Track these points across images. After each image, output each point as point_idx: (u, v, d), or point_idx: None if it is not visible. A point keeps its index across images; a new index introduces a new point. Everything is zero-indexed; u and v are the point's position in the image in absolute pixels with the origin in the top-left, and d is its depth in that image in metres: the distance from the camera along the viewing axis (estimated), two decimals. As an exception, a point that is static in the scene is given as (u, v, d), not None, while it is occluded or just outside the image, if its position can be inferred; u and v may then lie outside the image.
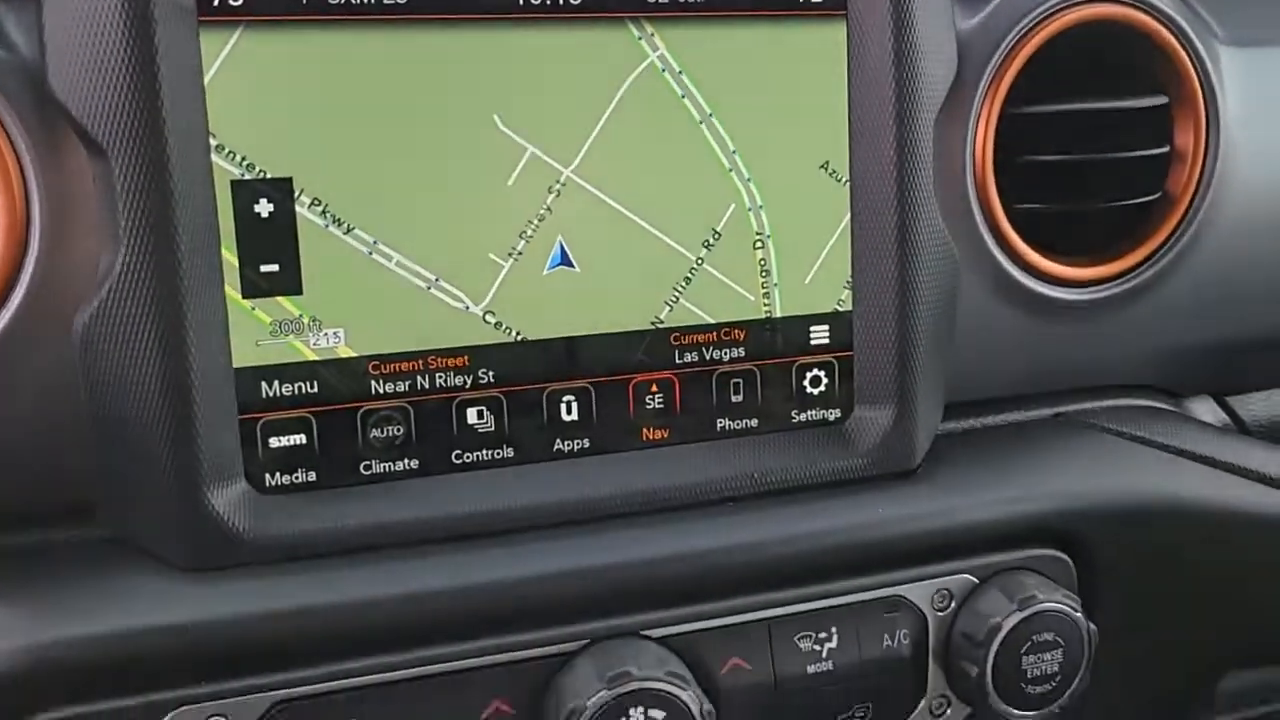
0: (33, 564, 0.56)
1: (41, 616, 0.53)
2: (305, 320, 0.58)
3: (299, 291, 0.57)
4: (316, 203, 0.57)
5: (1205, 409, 0.82)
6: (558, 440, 0.62)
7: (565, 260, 0.61)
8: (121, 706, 0.53)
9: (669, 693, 0.57)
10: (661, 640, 0.61)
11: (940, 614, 0.66)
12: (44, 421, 0.56)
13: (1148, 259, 0.72)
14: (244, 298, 0.56)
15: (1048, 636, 0.64)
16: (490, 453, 0.61)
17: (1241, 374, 0.82)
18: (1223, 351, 0.79)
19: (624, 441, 0.64)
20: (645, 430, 0.64)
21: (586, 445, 0.63)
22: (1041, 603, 0.64)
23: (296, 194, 0.56)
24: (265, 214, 0.56)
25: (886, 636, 0.64)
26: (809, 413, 0.67)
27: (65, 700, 0.52)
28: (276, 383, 0.57)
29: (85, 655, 0.52)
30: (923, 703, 0.67)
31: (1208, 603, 0.77)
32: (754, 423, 0.66)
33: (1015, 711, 0.65)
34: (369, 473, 0.59)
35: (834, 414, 0.67)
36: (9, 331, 0.54)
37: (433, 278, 0.59)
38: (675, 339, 0.64)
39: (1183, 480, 0.72)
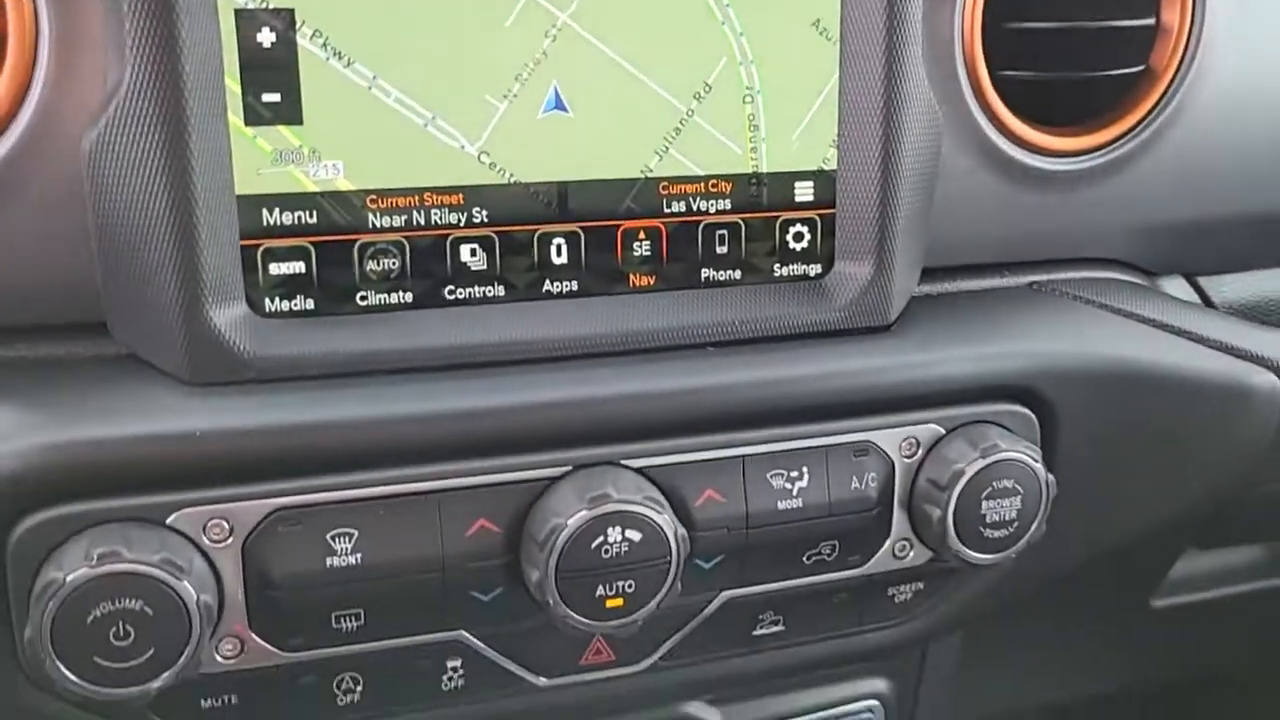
0: (49, 374, 0.59)
1: (54, 419, 0.56)
2: (305, 151, 0.59)
3: (300, 121, 0.59)
4: (318, 34, 0.58)
5: (1177, 288, 0.84)
6: (547, 281, 0.65)
7: (559, 105, 0.63)
8: (127, 505, 0.56)
9: (645, 515, 0.61)
10: (640, 470, 0.64)
11: (907, 460, 0.69)
12: (57, 239, 0.58)
13: (1128, 132, 0.74)
14: (246, 125, 0.58)
15: (1007, 484, 0.67)
16: (482, 290, 0.64)
17: (1214, 254, 0.84)
18: (1197, 230, 0.81)
19: (611, 286, 0.66)
20: (632, 276, 0.66)
21: (575, 288, 0.65)
22: (1004, 451, 0.67)
23: (298, 25, 0.58)
24: (267, 44, 0.58)
25: (855, 479, 0.67)
26: (790, 267, 0.69)
27: (74, 497, 0.55)
28: (277, 210, 0.60)
29: (94, 456, 0.55)
30: (887, 544, 0.70)
31: (1168, 474, 0.80)
32: (737, 274, 0.68)
33: (974, 554, 0.68)
34: (364, 303, 0.62)
35: (815, 269, 0.69)
36: (20, 148, 0.56)
37: (430, 115, 0.61)
38: (664, 189, 0.66)
39: (1150, 347, 0.75)
